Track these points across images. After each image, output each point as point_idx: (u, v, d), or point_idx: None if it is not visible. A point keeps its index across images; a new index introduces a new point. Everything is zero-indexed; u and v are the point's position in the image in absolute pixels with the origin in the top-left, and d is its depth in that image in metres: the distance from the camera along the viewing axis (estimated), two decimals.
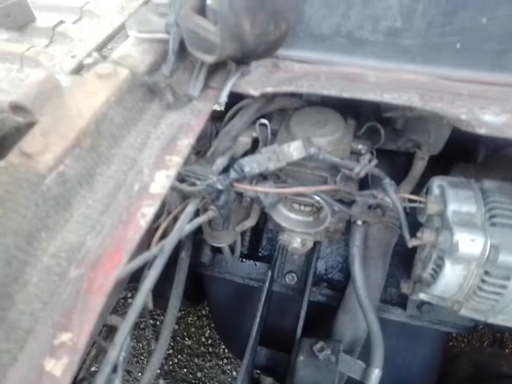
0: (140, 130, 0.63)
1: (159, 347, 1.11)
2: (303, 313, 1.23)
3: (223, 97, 0.71)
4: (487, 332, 2.13)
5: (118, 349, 0.57)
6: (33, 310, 0.45)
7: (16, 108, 0.53)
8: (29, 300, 0.45)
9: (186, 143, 0.64)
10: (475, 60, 0.70)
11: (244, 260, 1.35)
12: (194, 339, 2.24)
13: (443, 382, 1.45)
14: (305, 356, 1.06)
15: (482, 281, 0.83)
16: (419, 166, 1.10)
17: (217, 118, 1.01)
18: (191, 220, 0.76)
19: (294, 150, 0.77)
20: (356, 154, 0.93)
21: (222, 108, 1.32)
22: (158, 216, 0.84)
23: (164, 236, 0.73)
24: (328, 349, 1.04)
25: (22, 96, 0.53)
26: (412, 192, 1.04)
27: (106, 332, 0.93)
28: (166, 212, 0.84)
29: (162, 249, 0.66)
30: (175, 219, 0.80)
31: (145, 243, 0.75)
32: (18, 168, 0.48)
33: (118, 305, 2.07)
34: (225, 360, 2.18)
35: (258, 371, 1.27)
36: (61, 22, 1.31)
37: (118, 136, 0.59)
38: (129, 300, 2.19)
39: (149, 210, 0.55)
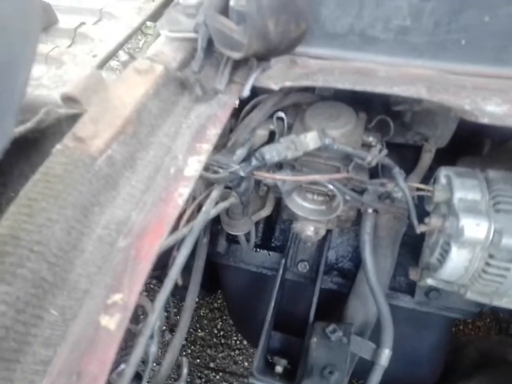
0: (173, 121, 0.69)
1: (180, 329, 1.17)
2: (315, 299, 1.27)
3: (246, 91, 0.78)
4: (494, 326, 2.17)
5: (156, 314, 0.63)
6: (89, 273, 0.52)
7: (67, 98, 0.60)
8: (85, 264, 0.52)
9: (214, 132, 0.70)
10: (478, 55, 0.76)
11: (258, 249, 1.41)
12: (207, 331, 2.31)
13: (450, 369, 1.49)
14: (318, 338, 1.11)
15: (487, 264, 0.87)
16: (426, 158, 1.15)
17: (233, 115, 1.07)
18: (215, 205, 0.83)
19: (310, 139, 0.83)
20: (366, 147, 0.99)
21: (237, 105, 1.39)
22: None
23: (190, 220, 0.80)
24: (340, 331, 1.09)
25: (72, 88, 0.60)
26: (420, 184, 1.09)
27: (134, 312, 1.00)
28: (191, 198, 0.90)
29: (192, 229, 0.73)
30: (200, 205, 0.87)
31: (173, 227, 0.82)
32: (73, 151, 0.55)
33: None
34: (236, 351, 2.24)
35: (271, 357, 1.33)
36: (82, 23, 1.38)
37: (155, 125, 0.66)
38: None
39: (184, 190, 0.61)
